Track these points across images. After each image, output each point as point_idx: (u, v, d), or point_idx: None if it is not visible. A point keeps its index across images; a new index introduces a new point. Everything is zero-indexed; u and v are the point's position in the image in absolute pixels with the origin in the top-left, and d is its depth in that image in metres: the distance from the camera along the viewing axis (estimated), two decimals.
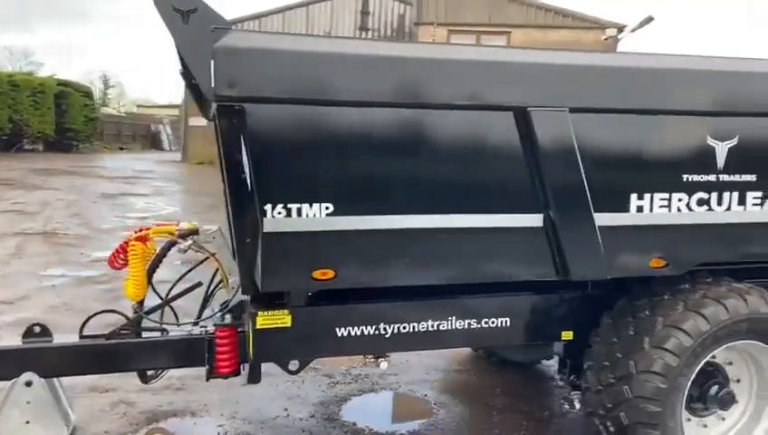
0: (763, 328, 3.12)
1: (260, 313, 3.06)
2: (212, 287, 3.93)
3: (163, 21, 2.42)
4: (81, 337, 3.45)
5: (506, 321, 3.33)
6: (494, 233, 2.85)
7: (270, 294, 3.21)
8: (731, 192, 3.09)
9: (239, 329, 3.45)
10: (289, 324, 3.09)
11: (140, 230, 3.62)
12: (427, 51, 2.79)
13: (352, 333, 3.17)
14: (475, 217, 2.81)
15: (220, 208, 4.11)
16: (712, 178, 3.05)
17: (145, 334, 3.56)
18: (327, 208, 2.63)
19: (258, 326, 3.07)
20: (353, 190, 2.68)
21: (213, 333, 3.54)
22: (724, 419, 3.38)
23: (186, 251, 3.64)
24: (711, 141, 3.02)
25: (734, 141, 3.05)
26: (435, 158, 2.76)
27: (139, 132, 43.15)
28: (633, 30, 17.74)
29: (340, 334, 3.16)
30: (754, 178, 3.11)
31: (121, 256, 3.72)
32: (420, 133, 2.72)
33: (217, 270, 3.91)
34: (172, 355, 3.56)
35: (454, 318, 3.27)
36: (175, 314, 3.75)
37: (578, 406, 4.41)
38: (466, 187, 2.80)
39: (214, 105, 3.01)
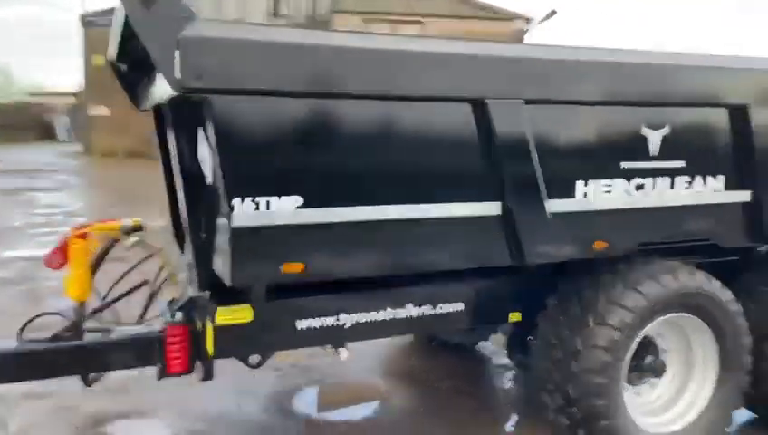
0: (691, 302, 3.40)
1: (220, 308, 3.03)
2: (157, 285, 3.84)
3: (124, 7, 2.33)
4: (21, 342, 3.28)
5: (460, 306, 3.46)
6: (456, 222, 2.95)
7: (228, 289, 3.18)
8: (663, 177, 3.34)
9: (191, 326, 3.40)
10: (250, 319, 3.08)
11: (81, 227, 3.47)
12: (392, 43, 2.84)
13: (313, 326, 3.19)
14: (437, 207, 2.90)
15: (152, 203, 4.01)
16: (646, 164, 3.29)
17: (89, 336, 3.44)
18: (296, 201, 2.63)
19: (218, 322, 3.04)
20: (322, 182, 2.69)
21: (163, 332, 3.46)
22: (655, 386, 3.67)
23: (131, 248, 3.54)
24: (645, 130, 3.26)
25: (666, 130, 3.30)
26: (399, 149, 2.82)
27: (31, 122, 40.42)
28: (540, 22, 18.47)
29: (300, 327, 3.17)
30: (683, 165, 3.38)
31: (59, 255, 3.57)
32: (385, 125, 2.77)
33: (163, 267, 3.83)
34: (121, 356, 3.44)
35: (411, 305, 3.35)
36: (116, 315, 3.63)
37: (516, 384, 4.64)
38: (430, 177, 2.89)
39: (165, 96, 2.94)
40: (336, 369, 4.74)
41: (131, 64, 3.81)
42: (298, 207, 2.64)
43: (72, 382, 3.39)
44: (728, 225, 3.58)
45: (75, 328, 3.40)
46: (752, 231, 3.62)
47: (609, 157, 3.22)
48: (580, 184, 3.16)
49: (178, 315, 3.47)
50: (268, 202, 2.59)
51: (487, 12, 19.30)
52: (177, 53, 2.34)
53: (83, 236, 3.42)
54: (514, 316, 3.64)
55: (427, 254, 2.97)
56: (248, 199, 2.56)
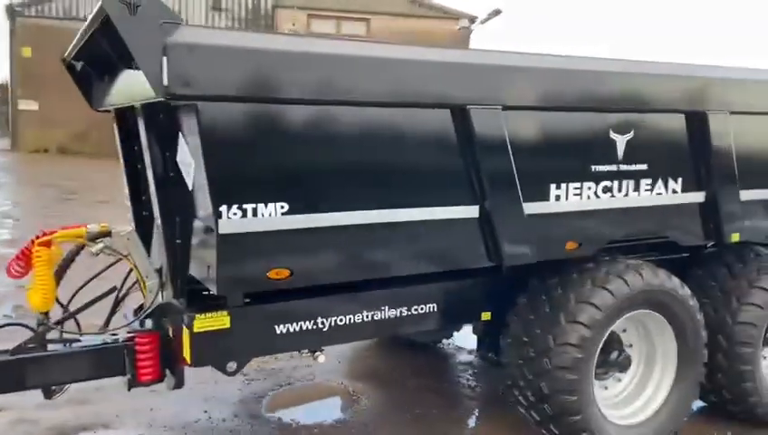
0: (654, 298, 3.55)
1: (198, 316, 2.97)
2: (123, 292, 3.73)
3: (108, 12, 2.25)
4: None
5: (434, 306, 3.50)
6: (437, 225, 3.00)
7: (204, 295, 3.13)
8: (628, 180, 3.48)
9: (161, 333, 3.33)
10: (228, 326, 3.04)
11: (44, 234, 3.33)
12: (378, 50, 2.84)
13: (291, 330, 3.17)
14: (419, 211, 2.93)
15: (90, 204, 3.89)
16: (614, 168, 3.42)
17: (54, 346, 3.31)
18: (282, 208, 2.61)
19: (196, 329, 2.98)
20: (307, 189, 2.69)
21: (132, 340, 3.37)
22: (620, 380, 3.82)
23: (97, 255, 3.42)
24: (613, 135, 3.39)
25: (631, 135, 3.44)
26: (382, 155, 2.84)
27: None
28: (483, 22, 18.78)
29: (279, 332, 3.15)
30: (646, 168, 3.53)
31: (21, 263, 3.42)
32: (369, 132, 2.79)
33: (130, 272, 3.72)
34: (89, 366, 3.35)
35: (387, 307, 3.38)
36: (78, 324, 3.52)
37: (481, 380, 4.74)
38: (412, 182, 2.93)
39: (140, 100, 2.86)
40: (302, 371, 4.73)
41: (89, 63, 3.69)
42: (283, 214, 2.62)
43: (33, 394, 3.26)
44: (685, 224, 3.76)
45: (39, 339, 3.27)
46: (706, 230, 3.82)
47: (580, 160, 3.33)
48: (553, 187, 3.26)
49: (148, 323, 3.39)
50: (254, 209, 2.56)
51: (432, 10, 19.49)
52: (164, 60, 2.28)
53: (47, 244, 3.29)
54: (485, 315, 3.71)
55: (409, 257, 3.01)
56: (235, 206, 2.52)
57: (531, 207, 3.17)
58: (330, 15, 20.45)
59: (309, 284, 2.90)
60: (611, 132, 3.38)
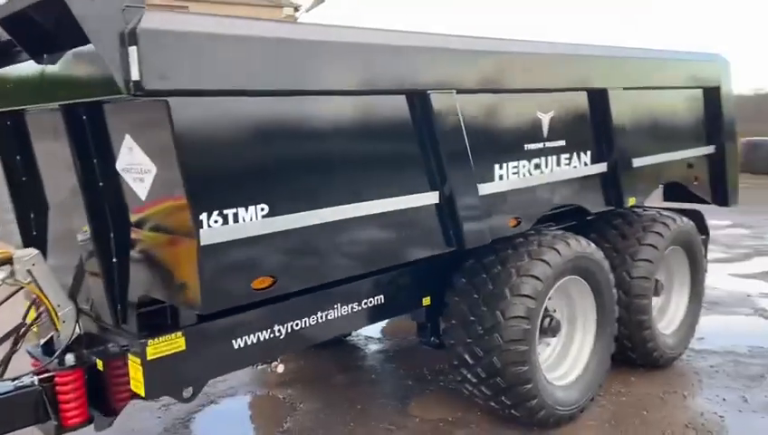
0: (579, 264, 3.81)
1: (151, 341, 2.63)
2: (25, 328, 3.19)
3: None
4: None
5: (381, 298, 3.45)
6: (407, 214, 2.93)
7: (145, 316, 2.77)
8: (552, 156, 3.68)
9: (85, 368, 2.92)
10: (183, 348, 2.73)
11: None
12: (350, 35, 2.67)
13: (248, 342, 2.95)
14: (391, 201, 2.85)
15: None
16: (541, 145, 3.59)
17: None
18: (262, 210, 2.38)
19: (150, 357, 2.64)
20: (287, 186, 2.47)
21: (51, 380, 2.91)
22: (548, 344, 4.05)
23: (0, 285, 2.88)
24: (539, 114, 3.55)
25: (552, 114, 3.63)
26: (355, 146, 2.71)
27: None
28: (308, 10, 18.68)
29: (237, 346, 2.91)
30: (564, 144, 3.75)
31: None
32: (341, 122, 2.64)
33: (33, 303, 3.18)
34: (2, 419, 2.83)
35: (339, 305, 3.26)
36: None
37: (403, 364, 4.77)
38: (381, 172, 2.83)
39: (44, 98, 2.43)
40: (219, 387, 4.40)
41: None
42: (264, 216, 2.39)
43: None
44: (593, 192, 4.07)
45: None
46: (607, 197, 4.17)
47: (516, 140, 3.45)
48: (497, 167, 3.34)
49: (69, 358, 2.94)
50: (235, 214, 2.31)
51: None
52: (132, 50, 1.95)
53: None
54: (426, 300, 3.73)
55: (384, 249, 2.92)
56: (215, 213, 2.25)
57: (482, 189, 3.22)
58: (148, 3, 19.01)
59: (291, 290, 2.69)
60: (538, 112, 3.54)
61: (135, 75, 1.97)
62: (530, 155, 3.53)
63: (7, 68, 2.84)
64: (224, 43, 2.20)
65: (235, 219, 2.30)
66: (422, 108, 2.89)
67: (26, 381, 2.95)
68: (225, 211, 2.27)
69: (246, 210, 2.33)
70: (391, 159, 2.89)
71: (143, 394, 2.68)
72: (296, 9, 18.98)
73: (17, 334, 3.18)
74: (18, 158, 3.25)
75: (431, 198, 3.03)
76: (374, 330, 5.51)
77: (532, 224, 3.66)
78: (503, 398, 3.63)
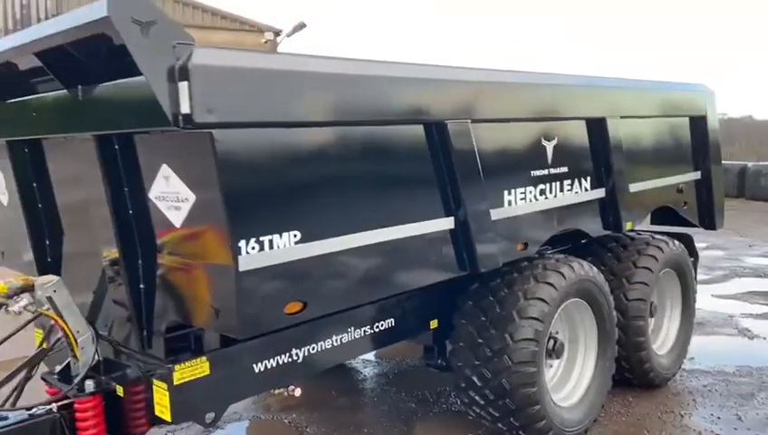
0: (582, 287, 3.92)
1: (177, 366, 2.67)
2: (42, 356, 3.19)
3: (120, 33, 1.93)
4: None
5: (392, 322, 3.52)
6: (424, 239, 3.02)
7: (171, 341, 2.81)
8: (555, 182, 3.81)
9: (103, 395, 2.93)
10: (207, 372, 2.77)
11: None
12: (388, 69, 2.81)
13: (268, 366, 3.00)
14: (409, 227, 2.93)
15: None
16: (546, 172, 3.72)
17: None
18: (295, 236, 2.45)
19: (176, 382, 2.67)
20: (316, 213, 2.54)
21: (69, 407, 2.91)
22: (552, 365, 4.15)
23: (20, 314, 2.88)
24: (543, 142, 3.68)
25: (555, 141, 3.77)
26: (378, 175, 2.81)
27: None
28: (289, 35, 18.84)
29: (257, 370, 2.96)
30: (566, 170, 3.89)
31: None
32: (369, 151, 2.74)
33: (49, 332, 3.18)
34: None
35: (352, 329, 3.33)
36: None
37: (403, 386, 4.82)
38: (404, 199, 2.93)
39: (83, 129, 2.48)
40: (230, 410, 4.37)
41: None
42: (296, 243, 2.46)
43: None
44: (593, 217, 4.21)
45: None
46: (605, 221, 4.31)
47: (523, 167, 3.57)
48: (506, 193, 3.45)
49: (89, 385, 2.95)
50: (270, 240, 2.37)
51: (237, 23, 19.05)
52: (184, 85, 2.02)
53: None
54: (433, 323, 3.81)
55: (403, 273, 2.99)
56: (252, 240, 2.31)
57: (494, 214, 3.33)
58: None
59: (320, 314, 2.75)
60: (543, 140, 3.67)
61: (185, 109, 2.04)
62: (536, 181, 3.65)
63: (30, 97, 2.89)
64: (264, 78, 2.29)
65: (270, 246, 2.37)
66: (440, 137, 3.00)
67: (40, 409, 2.95)
68: (261, 238, 2.33)
69: (281, 237, 2.40)
70: (411, 187, 2.98)
71: (169, 419, 2.70)
72: (277, 34, 19.13)
73: (33, 362, 3.18)
74: (35, 185, 3.28)
75: (447, 223, 3.13)
76: (370, 353, 5.55)
77: (538, 247, 3.77)
78: (511, 419, 3.70)
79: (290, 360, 3.07)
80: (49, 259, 3.36)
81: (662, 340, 5.04)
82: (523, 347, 3.57)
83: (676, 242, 4.97)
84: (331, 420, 4.30)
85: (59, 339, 3.09)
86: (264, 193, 2.37)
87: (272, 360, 3.00)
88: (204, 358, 2.75)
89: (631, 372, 4.63)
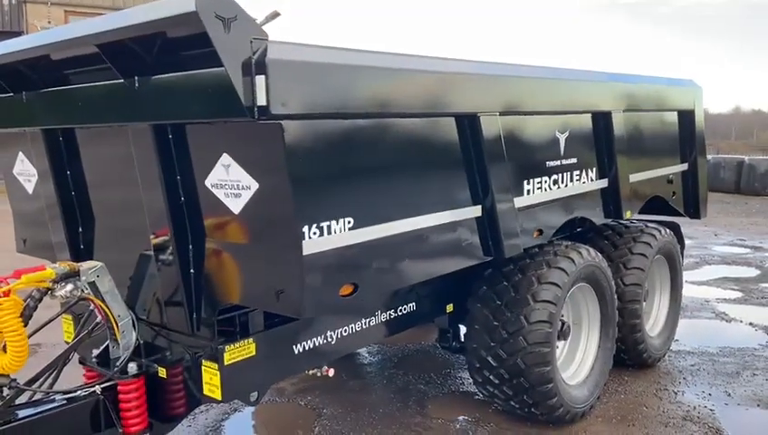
0: (589, 271, 4.13)
1: (227, 347, 2.78)
2: (79, 337, 3.25)
3: (206, 28, 2.02)
4: None
5: (413, 305, 3.68)
6: (455, 226, 3.18)
7: (220, 324, 2.91)
8: (567, 172, 4.00)
9: (145, 377, 3.03)
10: (253, 353, 2.89)
11: (1, 281, 2.76)
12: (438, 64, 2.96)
13: (306, 347, 3.14)
14: (444, 214, 3.09)
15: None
16: (558, 163, 3.91)
17: (25, 411, 2.82)
18: (349, 222, 2.58)
19: (227, 362, 2.78)
20: (367, 200, 2.68)
21: (113, 389, 3.00)
22: (558, 347, 4.36)
23: (66, 300, 2.94)
24: (557, 134, 3.87)
25: (567, 134, 3.96)
26: (420, 165, 2.95)
27: None
28: (262, 24, 18.66)
29: (297, 351, 3.09)
30: (576, 161, 4.09)
31: None
32: (413, 141, 2.89)
33: (88, 317, 3.24)
34: (63, 430, 2.90)
35: (379, 312, 3.48)
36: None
37: (413, 369, 4.99)
38: (439, 188, 3.08)
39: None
40: None
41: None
42: (350, 229, 2.59)
43: None
44: (597, 206, 4.42)
45: (7, 407, 2.75)
46: (607, 210, 4.53)
47: (541, 158, 3.76)
48: (525, 182, 3.63)
49: (132, 367, 3.03)
50: (328, 226, 2.49)
51: None
52: (261, 78, 2.13)
53: (6, 294, 2.75)
54: (449, 307, 3.99)
55: (437, 259, 3.15)
56: (314, 226, 2.43)
57: (517, 202, 3.51)
58: (88, 12, 18.76)
59: (368, 296, 2.88)
60: (557, 132, 3.86)
61: (262, 101, 2.14)
62: (550, 171, 3.84)
63: (74, 86, 2.94)
64: (331, 72, 2.41)
65: (329, 231, 2.49)
66: (471, 129, 3.16)
67: (84, 392, 3.02)
68: (321, 223, 2.46)
69: (337, 223, 2.53)
70: (445, 176, 3.13)
71: (220, 398, 2.81)
72: None
73: (74, 347, 3.24)
74: (68, 172, 3.32)
75: (475, 211, 3.29)
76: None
77: (551, 234, 3.96)
78: (524, 397, 3.90)
79: (324, 341, 3.21)
80: (82, 247, 3.41)
81: (653, 322, 5.32)
82: (538, 329, 3.77)
83: (667, 230, 5.24)
84: (346, 402, 4.44)
85: (98, 324, 3.16)
86: (324, 181, 2.48)
87: (309, 341, 3.13)
88: (250, 339, 2.87)
89: (626, 353, 4.88)
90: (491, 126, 3.22)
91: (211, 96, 2.26)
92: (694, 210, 5.79)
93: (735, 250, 10.54)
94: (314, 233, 2.44)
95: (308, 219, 2.41)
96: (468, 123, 3.14)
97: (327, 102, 2.42)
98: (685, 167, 5.61)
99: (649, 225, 5.13)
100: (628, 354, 4.90)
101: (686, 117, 5.48)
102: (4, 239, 5.37)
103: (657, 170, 5.11)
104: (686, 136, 5.52)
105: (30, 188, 3.63)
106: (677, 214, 5.70)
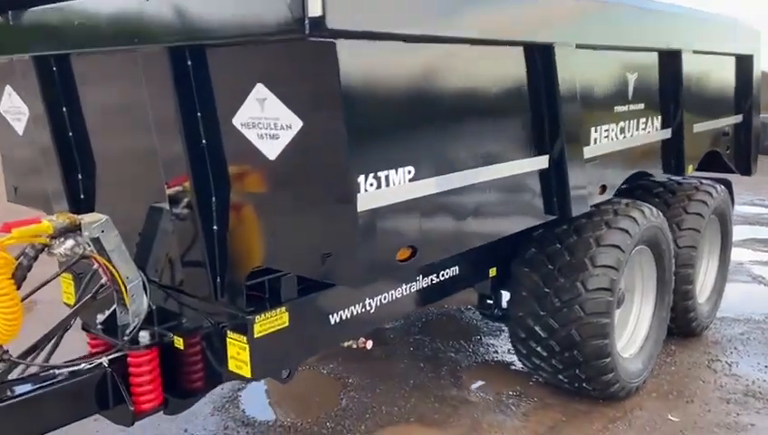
0: (650, 233, 3.68)
1: (258, 317, 2.35)
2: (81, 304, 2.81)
3: None
4: None
5: (455, 270, 3.26)
6: (519, 180, 2.72)
7: (241, 290, 2.47)
8: (633, 119, 3.52)
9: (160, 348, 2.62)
10: (286, 324, 2.46)
11: None
12: None
13: (344, 317, 2.73)
14: (508, 165, 2.61)
15: None
16: (626, 108, 3.42)
17: (20, 388, 2.42)
18: (409, 173, 2.10)
19: (257, 334, 2.36)
20: (432, 146, 2.20)
21: (121, 360, 2.59)
22: None
23: (66, 258, 2.49)
24: (627, 75, 3.37)
25: (636, 75, 3.46)
26: (484, 106, 2.47)
27: None
28: None
29: (333, 321, 2.67)
30: (642, 107, 3.59)
31: None
32: (477, 77, 2.40)
33: (90, 278, 2.80)
34: (65, 408, 2.51)
35: (421, 277, 3.06)
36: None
37: (440, 339, 4.61)
38: (506, 133, 2.60)
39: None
40: None
41: None
42: (410, 180, 2.12)
43: None
44: (658, 159, 3.95)
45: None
46: (668, 163, 4.05)
47: (610, 102, 3.26)
48: (592, 130, 3.15)
49: (144, 336, 2.61)
50: (387, 177, 2.02)
51: None
52: None
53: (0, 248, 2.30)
54: (492, 272, 3.56)
55: (498, 219, 2.70)
56: (371, 175, 1.96)
57: (586, 152, 3.03)
58: None
59: (427, 262, 2.44)
60: (627, 72, 3.36)
61: (315, 11, 1.64)
62: (617, 118, 3.35)
63: (66, 3, 2.43)
64: None
65: (387, 183, 2.02)
66: (543, 61, 2.65)
67: (89, 364, 2.61)
68: (379, 173, 1.98)
69: (396, 173, 2.05)
70: (510, 119, 2.64)
71: (249, 375, 2.40)
72: None
73: (76, 313, 2.81)
74: (64, 109, 2.84)
75: (541, 162, 2.81)
76: None
77: (614, 192, 3.50)
78: (576, 371, 3.50)
79: (363, 310, 2.79)
80: (82, 196, 2.96)
81: (700, 287, 4.91)
82: (598, 297, 3.34)
83: (722, 187, 4.78)
84: (372, 371, 4.06)
85: (102, 286, 2.72)
86: (383, 121, 2.00)
87: (347, 311, 2.71)
88: (283, 308, 2.44)
89: (674, 321, 4.48)
90: (566, 59, 2.71)
91: (243, 5, 1.76)
92: (745, 166, 5.32)
93: (756, 210, 10.11)
94: (371, 184, 1.96)
95: (364, 168, 1.93)
96: (539, 55, 2.63)
97: (395, 18, 1.91)
98: (740, 119, 5.12)
99: (704, 181, 4.67)
100: (677, 323, 4.48)
101: (745, 63, 4.96)
102: None
103: (717, 121, 4.62)
104: (743, 85, 5.01)
105: (20, 127, 3.13)
106: (727, 170, 5.23)
